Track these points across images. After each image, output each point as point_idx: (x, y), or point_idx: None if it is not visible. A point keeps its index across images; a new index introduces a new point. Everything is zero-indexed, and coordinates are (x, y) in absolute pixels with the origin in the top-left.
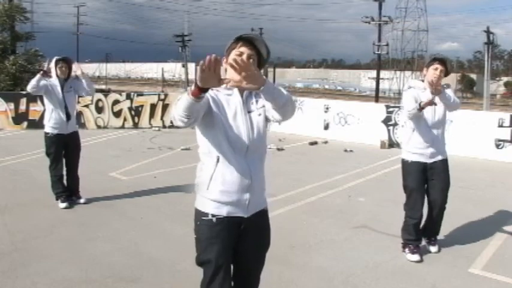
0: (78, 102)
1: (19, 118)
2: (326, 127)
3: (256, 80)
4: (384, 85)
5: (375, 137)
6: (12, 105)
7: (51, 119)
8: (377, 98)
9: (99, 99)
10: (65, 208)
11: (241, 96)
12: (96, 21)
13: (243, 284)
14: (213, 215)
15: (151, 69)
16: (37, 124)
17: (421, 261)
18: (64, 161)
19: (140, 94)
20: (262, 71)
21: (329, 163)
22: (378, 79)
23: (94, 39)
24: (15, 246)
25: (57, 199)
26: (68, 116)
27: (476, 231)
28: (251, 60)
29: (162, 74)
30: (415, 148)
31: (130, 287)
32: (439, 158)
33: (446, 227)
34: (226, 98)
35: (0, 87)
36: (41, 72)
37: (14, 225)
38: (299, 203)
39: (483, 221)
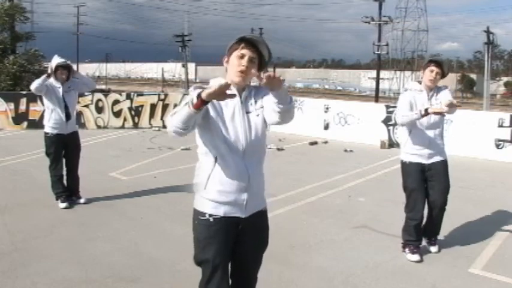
0: (78, 102)
1: (19, 118)
2: (326, 127)
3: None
4: (384, 85)
5: (374, 137)
6: (12, 105)
7: (51, 119)
8: (377, 98)
9: (99, 99)
10: (65, 208)
11: (240, 97)
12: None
13: (241, 283)
14: (210, 215)
15: (151, 69)
16: (37, 124)
17: (421, 261)
18: (64, 161)
19: (140, 94)
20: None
21: (329, 163)
22: (377, 79)
23: (94, 39)
24: (15, 246)
25: (57, 199)
26: (68, 116)
27: (476, 231)
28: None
29: (162, 74)
30: (413, 149)
31: (130, 287)
32: (438, 159)
33: (446, 227)
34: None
35: (0, 87)
36: (47, 74)
37: (14, 225)
38: (299, 203)
39: (483, 221)
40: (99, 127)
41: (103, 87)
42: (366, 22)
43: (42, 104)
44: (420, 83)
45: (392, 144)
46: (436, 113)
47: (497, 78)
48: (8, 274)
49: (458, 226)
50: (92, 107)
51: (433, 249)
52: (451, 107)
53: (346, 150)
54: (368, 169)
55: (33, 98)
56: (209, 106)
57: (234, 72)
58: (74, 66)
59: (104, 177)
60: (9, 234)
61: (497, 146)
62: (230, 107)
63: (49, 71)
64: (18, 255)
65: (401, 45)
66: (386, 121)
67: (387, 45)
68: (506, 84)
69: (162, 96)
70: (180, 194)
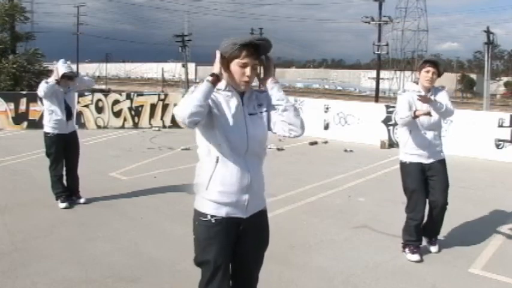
0: (78, 102)
1: (19, 118)
2: (326, 127)
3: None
4: (384, 85)
5: (374, 137)
6: (12, 105)
7: (52, 119)
8: (377, 98)
9: (99, 99)
10: (65, 208)
11: (241, 98)
12: (96, 21)
13: (242, 284)
14: (211, 216)
15: (151, 69)
16: (37, 124)
17: (421, 261)
18: (63, 161)
19: (140, 94)
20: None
21: (329, 163)
22: (377, 79)
23: (94, 39)
24: (15, 246)
25: (57, 199)
26: (68, 116)
27: (476, 231)
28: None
29: (162, 74)
30: (413, 150)
31: (130, 287)
32: (437, 158)
33: (446, 227)
34: (226, 99)
35: (0, 87)
36: (56, 81)
37: (14, 225)
38: (299, 203)
39: (483, 221)
40: (99, 127)
41: (103, 87)
42: (366, 22)
43: (42, 104)
44: (417, 83)
45: (392, 144)
46: (422, 114)
47: (497, 78)
48: (8, 274)
49: (458, 226)
50: (92, 107)
51: (434, 249)
52: (426, 101)
53: (346, 150)
54: (368, 169)
55: (33, 98)
56: (212, 105)
57: (238, 82)
58: (74, 66)
59: (103, 177)
60: (9, 234)
61: (497, 146)
62: (232, 107)
63: (57, 77)
64: (18, 255)
65: (401, 45)
66: (386, 121)
67: (387, 45)
68: (506, 84)
69: (162, 96)
70: (180, 194)
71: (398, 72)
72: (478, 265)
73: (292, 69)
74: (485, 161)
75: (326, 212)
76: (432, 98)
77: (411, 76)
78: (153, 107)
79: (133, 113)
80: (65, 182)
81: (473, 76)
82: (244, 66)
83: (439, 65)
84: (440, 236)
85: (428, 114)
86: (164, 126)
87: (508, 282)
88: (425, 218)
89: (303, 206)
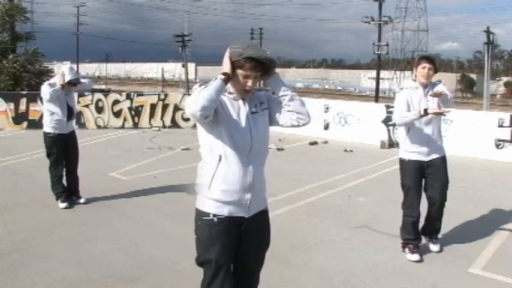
0: (78, 102)
1: (19, 118)
2: (326, 127)
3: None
4: (383, 85)
5: (374, 137)
6: (12, 105)
7: (53, 119)
8: (377, 98)
9: (99, 99)
10: (65, 208)
11: (243, 99)
12: (96, 21)
13: (243, 283)
14: (214, 215)
15: (151, 69)
16: (37, 124)
17: (421, 261)
18: (63, 161)
19: (140, 94)
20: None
21: (329, 163)
22: (377, 79)
23: (94, 39)
24: (15, 246)
25: (57, 199)
26: (69, 116)
27: (476, 231)
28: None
29: (162, 74)
30: (412, 147)
31: (130, 287)
32: (437, 155)
33: (447, 227)
34: (230, 100)
35: (0, 87)
36: (61, 85)
37: (14, 225)
38: (299, 203)
39: (483, 221)
40: (99, 127)
41: (103, 87)
42: (366, 22)
43: (42, 104)
44: (415, 81)
45: (392, 144)
46: (437, 114)
47: (497, 78)
48: (8, 274)
49: (459, 226)
50: (92, 107)
51: (435, 248)
52: (439, 96)
53: (346, 150)
54: (368, 169)
55: (33, 98)
56: (217, 104)
57: (241, 89)
58: (74, 66)
59: (103, 177)
60: (9, 234)
61: (497, 146)
62: (235, 107)
63: (62, 83)
64: (18, 255)
65: (401, 45)
66: (386, 121)
67: (387, 45)
68: (506, 84)
69: (162, 96)
70: (180, 194)
71: (398, 72)
72: (478, 265)
73: (292, 69)
74: (485, 161)
75: (326, 212)
76: (442, 90)
77: (411, 76)
78: (153, 107)
79: (133, 113)
80: (64, 182)
81: (473, 76)
82: (246, 77)
83: (434, 61)
84: (441, 236)
85: (442, 113)
86: (164, 126)
87: (508, 282)
88: (424, 217)
89: (303, 206)
